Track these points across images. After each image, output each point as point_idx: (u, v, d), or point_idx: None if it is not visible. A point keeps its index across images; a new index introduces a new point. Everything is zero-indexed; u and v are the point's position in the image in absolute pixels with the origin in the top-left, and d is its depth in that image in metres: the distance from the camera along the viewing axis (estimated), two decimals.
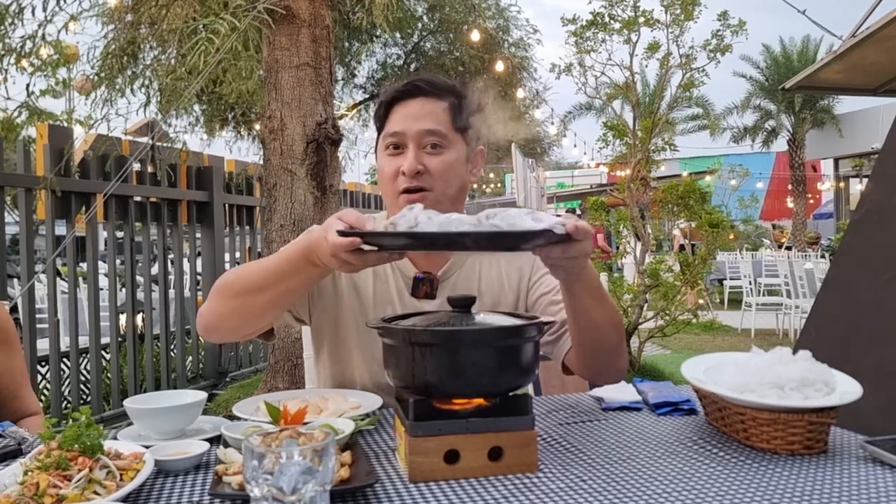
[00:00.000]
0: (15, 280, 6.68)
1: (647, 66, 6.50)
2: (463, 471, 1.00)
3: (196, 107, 7.14)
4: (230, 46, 3.72)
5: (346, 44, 8.23)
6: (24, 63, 4.74)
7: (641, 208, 6.05)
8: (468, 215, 1.07)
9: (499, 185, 26.83)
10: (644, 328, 5.88)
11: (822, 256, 13.16)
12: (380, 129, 1.44)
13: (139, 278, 5.36)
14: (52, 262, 4.24)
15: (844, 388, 1.14)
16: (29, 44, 4.57)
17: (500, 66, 7.57)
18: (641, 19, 5.88)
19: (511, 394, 1.08)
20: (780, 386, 1.11)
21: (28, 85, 4.79)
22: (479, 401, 1.06)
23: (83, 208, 4.44)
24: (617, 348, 1.37)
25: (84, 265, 4.74)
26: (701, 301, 7.52)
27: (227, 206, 5.94)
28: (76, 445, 0.97)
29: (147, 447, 1.07)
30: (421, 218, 1.03)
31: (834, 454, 1.09)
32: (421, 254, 1.47)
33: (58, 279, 4.71)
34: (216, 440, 1.17)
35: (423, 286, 1.25)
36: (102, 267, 4.96)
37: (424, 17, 8.62)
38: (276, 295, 1.27)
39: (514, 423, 1.03)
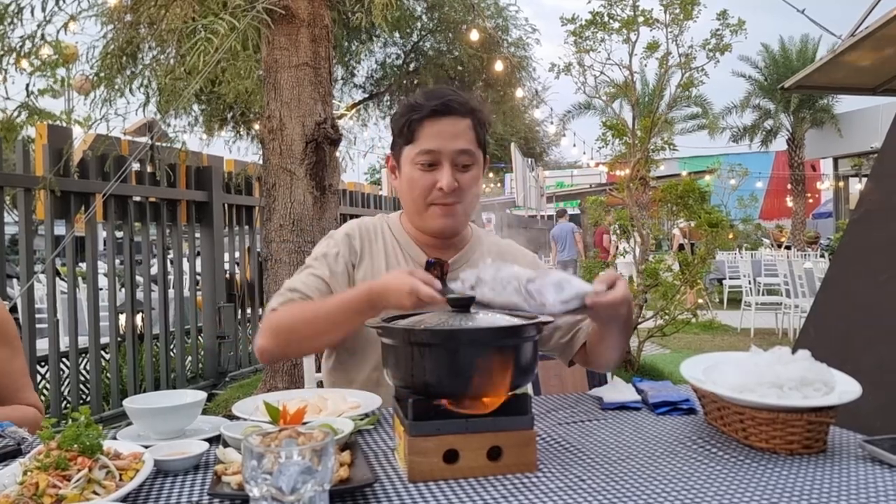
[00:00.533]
0: (14, 280, 6.68)
1: (646, 65, 6.51)
2: (462, 470, 1.01)
3: (195, 107, 7.14)
4: (229, 46, 3.71)
5: (346, 43, 8.23)
6: (24, 63, 4.74)
7: (642, 208, 6.05)
8: (519, 270, 1.19)
9: (498, 184, 26.83)
10: (643, 328, 5.88)
11: (822, 256, 13.16)
12: (406, 141, 1.51)
13: (138, 278, 5.36)
14: (51, 262, 4.24)
15: (843, 388, 1.14)
16: (28, 44, 4.57)
17: (499, 66, 7.57)
18: (641, 19, 5.88)
19: (510, 393, 1.08)
20: (780, 385, 1.11)
21: (28, 85, 4.79)
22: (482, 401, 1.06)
23: (82, 208, 4.44)
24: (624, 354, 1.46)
25: (83, 265, 4.74)
26: (700, 300, 7.52)
27: (226, 205, 5.94)
28: (75, 445, 0.97)
29: (146, 447, 1.07)
30: (484, 275, 1.19)
31: (833, 453, 1.10)
32: (433, 243, 1.58)
33: (57, 279, 4.71)
34: (215, 440, 1.17)
35: (434, 271, 1.34)
36: (102, 267, 4.96)
37: (423, 17, 8.62)
38: (332, 337, 1.47)
39: (514, 422, 1.03)
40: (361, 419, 1.22)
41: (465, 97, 1.53)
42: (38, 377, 4.54)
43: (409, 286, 1.21)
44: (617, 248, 7.23)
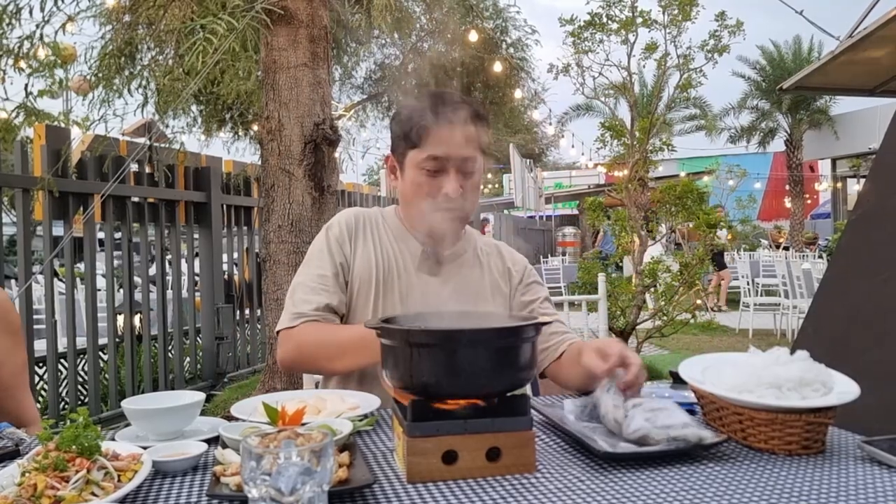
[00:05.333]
0: (12, 281, 6.67)
1: (644, 66, 6.51)
2: (461, 471, 1.00)
3: (194, 107, 7.12)
4: (228, 47, 3.71)
5: (345, 44, 8.22)
6: (22, 64, 4.73)
7: (641, 208, 6.05)
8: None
9: (497, 185, 26.83)
10: (642, 328, 5.89)
11: (820, 257, 13.17)
12: (412, 145, 1.53)
13: (137, 279, 5.35)
14: (49, 263, 4.23)
15: (842, 389, 1.14)
16: (26, 44, 4.56)
17: (498, 67, 7.57)
18: (639, 20, 5.89)
19: (509, 394, 1.08)
20: (778, 386, 1.11)
21: (26, 86, 4.78)
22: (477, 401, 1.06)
23: (81, 209, 4.43)
24: None
25: (82, 266, 4.73)
26: (699, 301, 7.52)
27: (224, 206, 5.93)
28: (74, 446, 0.96)
29: (145, 448, 1.06)
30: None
31: (832, 454, 1.10)
32: (429, 240, 1.61)
33: (55, 280, 4.71)
34: (214, 441, 1.16)
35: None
36: (100, 268, 4.95)
37: (423, 18, 8.61)
38: (356, 361, 1.50)
39: (512, 423, 1.03)
40: (360, 420, 1.22)
41: (471, 103, 1.56)
42: (37, 378, 4.53)
43: None
44: (617, 248, 7.22)
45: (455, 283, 1.57)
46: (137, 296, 5.22)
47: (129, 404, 1.21)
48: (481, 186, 1.66)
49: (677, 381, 1.43)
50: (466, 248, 1.67)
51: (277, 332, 1.59)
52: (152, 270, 5.93)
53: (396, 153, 1.59)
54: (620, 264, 9.93)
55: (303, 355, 1.55)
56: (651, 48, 6.03)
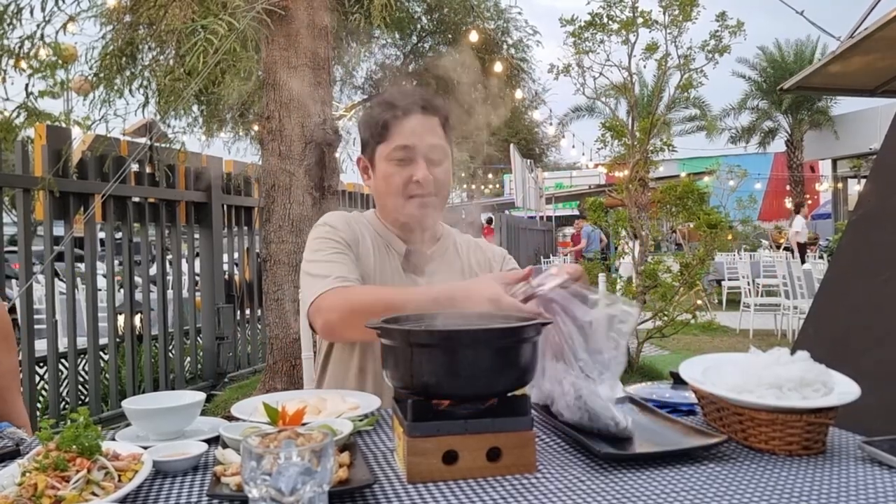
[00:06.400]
0: (13, 281, 6.68)
1: (644, 66, 6.50)
2: (461, 471, 1.00)
3: (195, 107, 7.13)
4: (229, 47, 3.71)
5: (345, 44, 8.22)
6: (23, 64, 4.73)
7: (642, 209, 6.05)
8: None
9: (497, 185, 26.82)
10: (642, 328, 5.89)
11: (821, 257, 13.16)
12: (379, 140, 1.59)
13: (137, 279, 5.35)
14: (50, 263, 4.24)
15: (842, 389, 1.14)
16: (27, 44, 4.56)
17: (498, 67, 7.57)
18: (640, 20, 5.89)
19: (509, 394, 1.08)
20: (779, 386, 1.11)
21: (27, 86, 4.78)
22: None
23: (81, 209, 4.43)
24: None
25: (82, 266, 4.73)
26: (699, 301, 7.52)
27: (225, 206, 5.93)
28: (74, 446, 0.96)
29: (145, 448, 1.06)
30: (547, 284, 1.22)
31: (832, 455, 1.10)
32: (410, 237, 1.67)
33: (56, 280, 4.71)
34: (214, 441, 1.16)
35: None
36: (101, 268, 4.95)
37: (423, 18, 8.61)
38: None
39: (513, 423, 1.03)
40: (360, 420, 1.22)
41: (432, 97, 1.63)
42: (37, 378, 4.54)
43: (491, 294, 1.24)
44: (615, 248, 7.23)
45: (441, 279, 1.58)
46: (138, 296, 5.22)
47: (129, 404, 1.21)
48: (452, 175, 1.69)
49: (678, 381, 1.43)
50: (447, 246, 1.73)
51: (311, 304, 1.52)
52: (153, 270, 5.93)
53: (366, 152, 1.65)
54: (617, 267, 9.93)
55: (354, 310, 1.42)
56: (651, 48, 6.03)
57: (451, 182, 1.68)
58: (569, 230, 22.87)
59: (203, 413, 1.28)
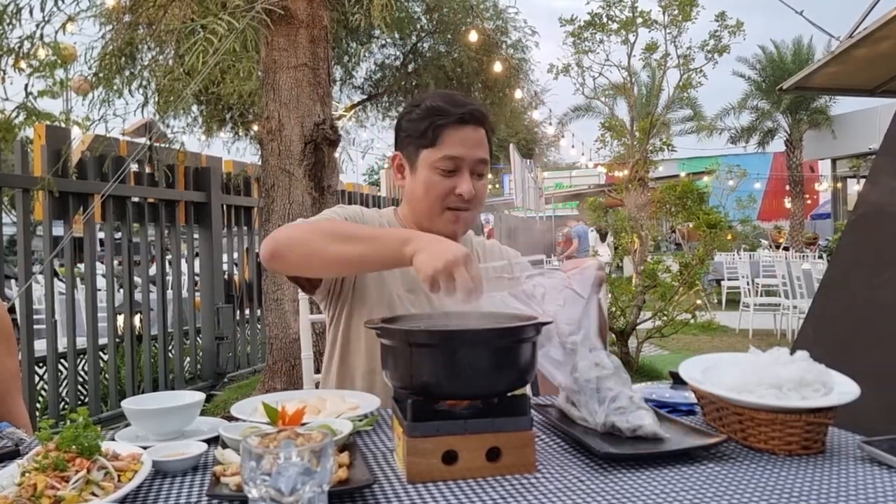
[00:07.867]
0: (13, 281, 6.67)
1: (644, 66, 6.50)
2: (461, 471, 1.00)
3: (194, 107, 7.12)
4: (228, 47, 3.71)
5: (345, 44, 8.22)
6: (22, 64, 4.73)
7: (639, 209, 6.05)
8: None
9: (497, 185, 26.82)
10: (642, 328, 5.89)
11: (820, 257, 13.17)
12: (427, 145, 1.52)
13: (137, 279, 5.35)
14: (49, 263, 4.24)
15: (842, 389, 1.14)
16: (27, 44, 4.56)
17: (498, 67, 7.57)
18: (639, 20, 5.90)
19: (509, 394, 1.08)
20: (778, 386, 1.11)
21: (26, 86, 4.78)
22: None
23: (81, 209, 4.43)
24: None
25: (82, 266, 4.73)
26: (699, 301, 7.52)
27: (224, 206, 5.93)
28: (74, 446, 0.96)
29: (145, 448, 1.06)
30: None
31: (832, 454, 1.10)
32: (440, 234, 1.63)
33: (55, 280, 4.71)
34: (214, 441, 1.16)
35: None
36: (100, 268, 4.95)
37: (423, 18, 8.61)
38: (352, 255, 1.35)
39: (513, 423, 1.03)
40: (360, 420, 1.22)
41: (483, 107, 1.58)
42: (37, 378, 4.54)
43: (453, 257, 1.16)
44: (617, 248, 7.23)
45: None
46: (137, 296, 5.22)
47: (129, 404, 1.21)
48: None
49: (677, 381, 1.43)
50: (468, 248, 1.68)
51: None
52: (152, 270, 5.93)
53: (406, 151, 1.58)
54: (620, 265, 9.94)
55: (292, 239, 1.38)
56: (651, 48, 6.04)
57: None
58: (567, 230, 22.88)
59: (203, 413, 1.28)
